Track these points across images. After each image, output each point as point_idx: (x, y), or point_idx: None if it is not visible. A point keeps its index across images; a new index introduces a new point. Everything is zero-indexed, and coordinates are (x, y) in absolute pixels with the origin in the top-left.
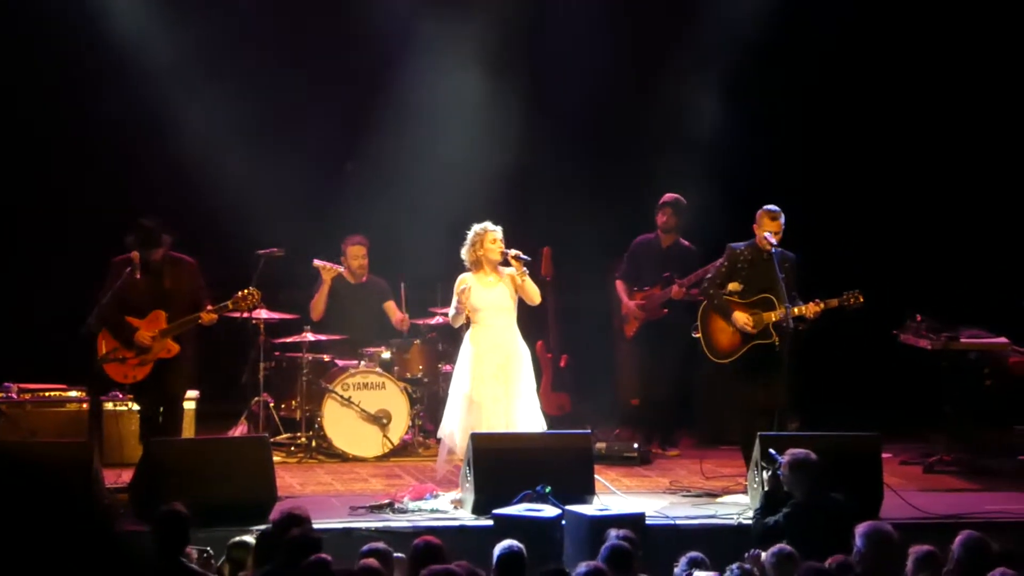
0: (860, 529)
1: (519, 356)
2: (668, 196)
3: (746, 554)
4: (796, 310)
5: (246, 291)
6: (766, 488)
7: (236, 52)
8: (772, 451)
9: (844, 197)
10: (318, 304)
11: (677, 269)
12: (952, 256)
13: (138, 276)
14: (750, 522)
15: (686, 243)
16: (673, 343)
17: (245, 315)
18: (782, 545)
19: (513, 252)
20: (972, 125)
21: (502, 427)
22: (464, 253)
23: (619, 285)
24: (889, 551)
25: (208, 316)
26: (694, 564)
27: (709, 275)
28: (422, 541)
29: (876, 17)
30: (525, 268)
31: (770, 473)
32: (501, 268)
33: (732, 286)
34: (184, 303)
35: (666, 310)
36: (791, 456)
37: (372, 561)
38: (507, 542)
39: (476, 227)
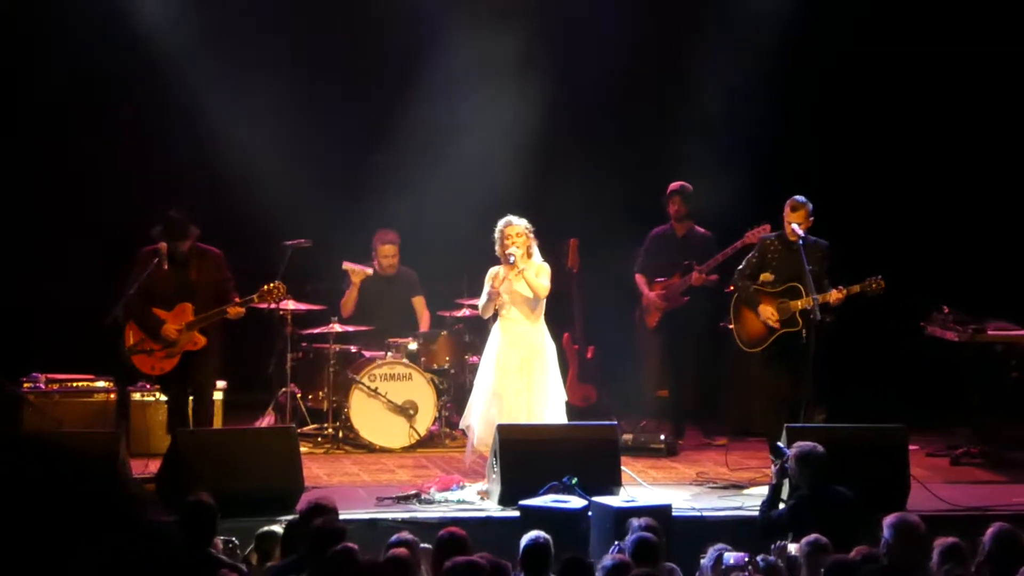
0: (888, 520)
1: (543, 350)
2: (674, 184)
3: (772, 546)
4: (820, 297)
5: (272, 284)
6: (772, 481)
7: (265, 43)
8: (780, 444)
9: (872, 188)
10: (348, 303)
11: (695, 256)
12: (979, 248)
13: (165, 267)
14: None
15: (701, 230)
16: (695, 331)
17: (272, 307)
18: (816, 535)
19: (509, 251)
20: (1000, 116)
21: (523, 420)
22: (496, 248)
23: (638, 278)
24: (916, 542)
25: (235, 309)
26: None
27: (740, 266)
28: (447, 532)
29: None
30: (521, 267)
31: (778, 466)
32: (529, 262)
33: (764, 276)
34: (211, 295)
35: (687, 298)
36: (798, 448)
37: (400, 551)
38: (534, 533)
39: (500, 221)
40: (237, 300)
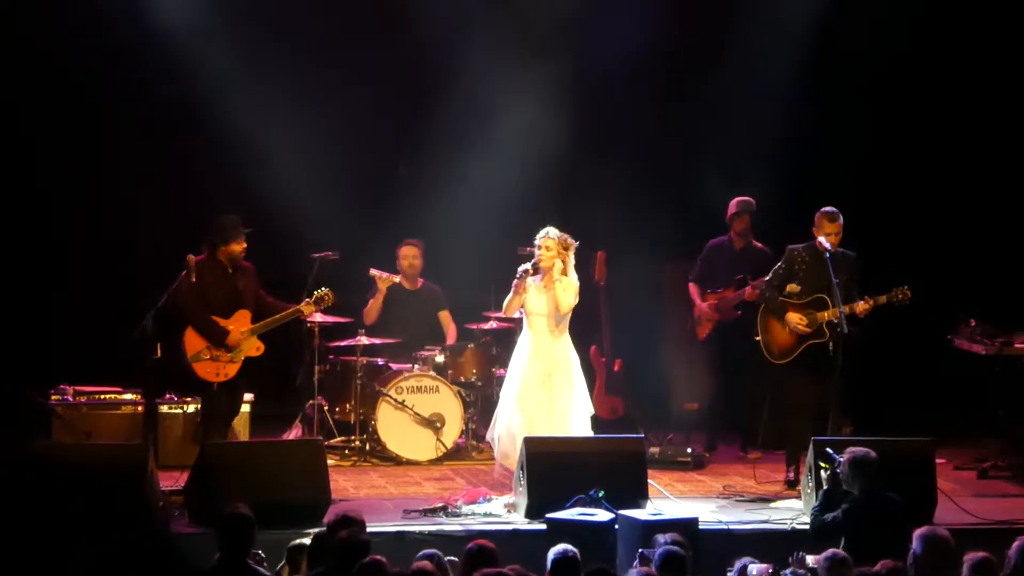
0: (918, 533)
1: (567, 363)
2: (741, 200)
3: (791, 557)
4: (847, 308)
5: (324, 291)
6: (825, 487)
7: (291, 54)
8: (830, 450)
9: (900, 200)
10: (372, 311)
11: (750, 271)
12: (1007, 260)
13: (193, 279)
14: (804, 527)
15: (759, 245)
16: (746, 344)
17: (310, 318)
18: (835, 550)
19: (522, 267)
20: None
21: (544, 432)
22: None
23: (692, 288)
24: (945, 556)
25: (309, 308)
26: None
27: (767, 277)
28: (475, 545)
29: (944, 17)
30: (531, 279)
31: (828, 472)
32: (555, 275)
33: (790, 287)
34: (254, 305)
35: (739, 312)
36: (851, 453)
37: (426, 564)
38: (561, 546)
39: (539, 233)
40: (308, 300)
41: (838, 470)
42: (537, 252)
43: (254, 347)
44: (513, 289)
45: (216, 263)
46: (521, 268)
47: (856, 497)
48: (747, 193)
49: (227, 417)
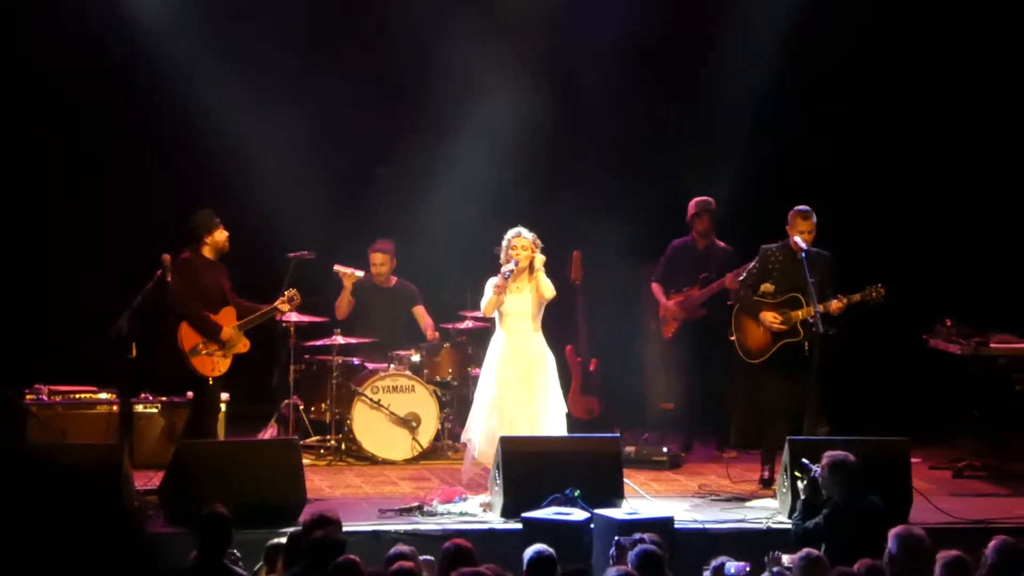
0: (893, 532)
1: (544, 362)
2: (700, 201)
3: (766, 557)
4: (821, 307)
5: (292, 292)
6: (802, 496)
7: (269, 52)
8: (806, 460)
9: (875, 200)
10: (341, 305)
11: (714, 270)
12: (983, 261)
13: (169, 279)
14: (780, 526)
15: (722, 244)
16: (713, 343)
17: (279, 317)
18: (810, 550)
19: (505, 268)
20: (1006, 127)
21: (525, 432)
22: (501, 258)
23: (655, 287)
24: (921, 555)
25: (285, 306)
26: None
27: (741, 276)
28: (452, 544)
29: (923, 21)
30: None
31: (805, 481)
32: (528, 274)
33: (764, 287)
34: (234, 302)
35: (705, 310)
36: (830, 458)
37: (406, 563)
38: (538, 546)
39: (509, 233)
40: (282, 299)
41: (816, 475)
42: (510, 252)
43: (242, 343)
44: (495, 290)
45: (203, 259)
46: (507, 269)
47: (837, 502)
48: (725, 192)
49: (213, 414)
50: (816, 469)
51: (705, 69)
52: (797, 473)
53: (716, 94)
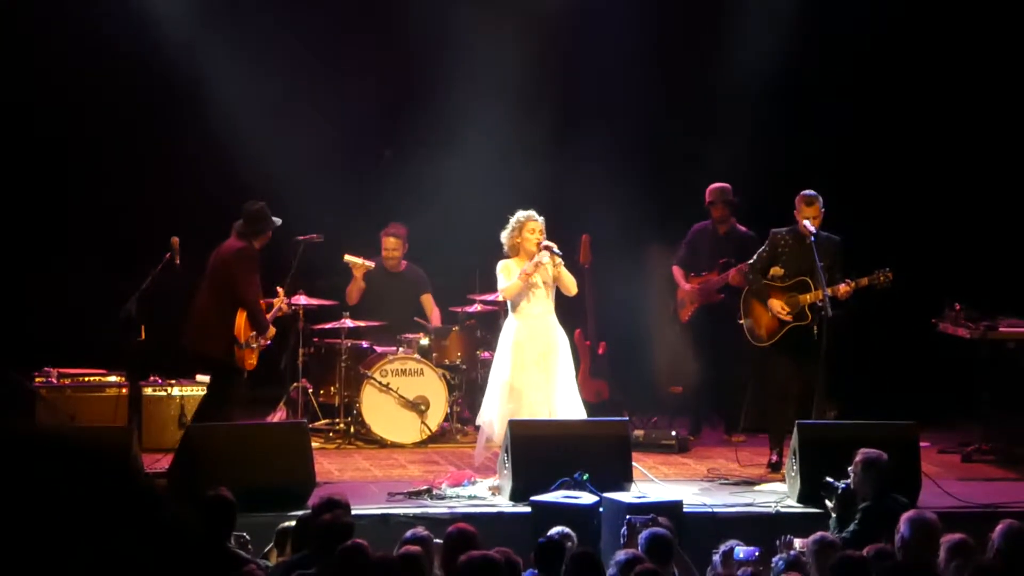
0: (906, 516)
1: (559, 344)
2: (714, 189)
3: (778, 541)
4: (829, 290)
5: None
6: (832, 515)
7: (276, 38)
8: (829, 479)
9: (885, 183)
10: (352, 293)
11: (734, 255)
12: (992, 245)
13: (178, 261)
14: (789, 510)
15: (743, 228)
16: (727, 328)
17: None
18: (823, 533)
19: (546, 243)
20: (1013, 114)
21: (543, 414)
22: (504, 237)
23: (676, 271)
24: (933, 540)
25: (278, 302)
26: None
27: (751, 260)
28: (455, 528)
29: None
30: (560, 260)
31: (833, 501)
32: (538, 257)
33: (774, 271)
34: None
35: (722, 295)
36: (864, 455)
37: (413, 548)
38: (556, 529)
39: (520, 214)
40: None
41: (843, 490)
42: (525, 235)
43: (269, 336)
44: (522, 276)
45: (256, 252)
46: (540, 257)
47: (868, 505)
48: (735, 175)
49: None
50: (842, 485)
51: (718, 52)
52: (823, 493)
53: (727, 77)
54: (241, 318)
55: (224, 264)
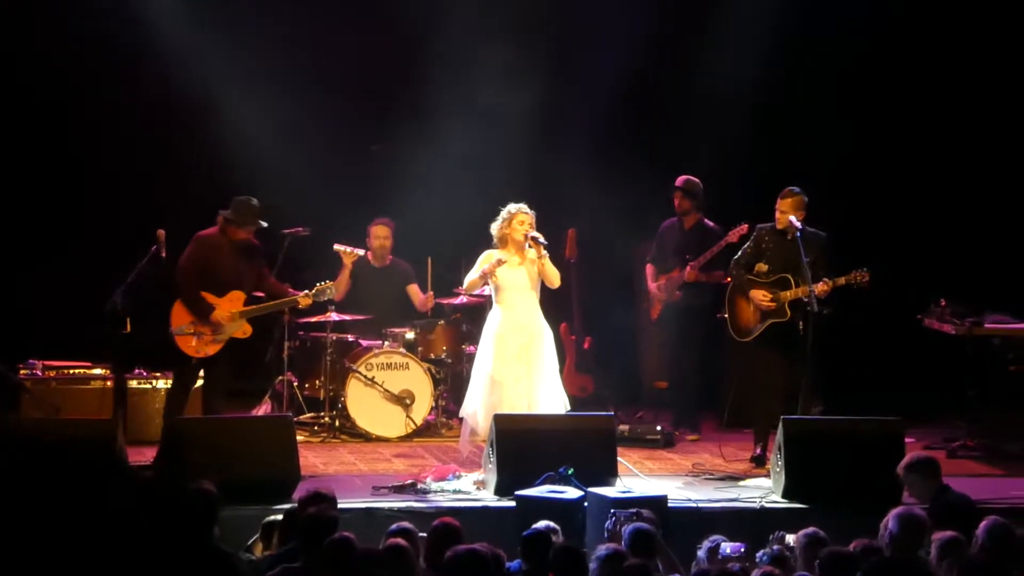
0: (894, 512)
1: (542, 337)
2: (679, 179)
3: (771, 536)
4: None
5: (328, 284)
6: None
7: (266, 29)
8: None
9: (870, 180)
10: (339, 286)
11: (696, 251)
12: (977, 241)
13: (163, 254)
14: (773, 505)
15: (710, 224)
16: (696, 325)
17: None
18: (814, 528)
19: (532, 234)
20: (998, 110)
21: (524, 407)
22: (493, 228)
23: (648, 268)
24: (921, 537)
25: (306, 300)
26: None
27: (736, 256)
28: (440, 522)
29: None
30: (545, 252)
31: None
32: (526, 250)
33: (759, 267)
34: (252, 286)
35: (679, 293)
36: (915, 458)
37: (399, 540)
38: (542, 523)
39: (511, 206)
40: (307, 292)
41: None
42: (515, 225)
43: (240, 329)
44: (481, 273)
45: (224, 240)
46: (488, 256)
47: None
48: (725, 172)
49: (227, 389)
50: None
51: (706, 50)
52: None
53: (716, 74)
54: (176, 306)
55: None
